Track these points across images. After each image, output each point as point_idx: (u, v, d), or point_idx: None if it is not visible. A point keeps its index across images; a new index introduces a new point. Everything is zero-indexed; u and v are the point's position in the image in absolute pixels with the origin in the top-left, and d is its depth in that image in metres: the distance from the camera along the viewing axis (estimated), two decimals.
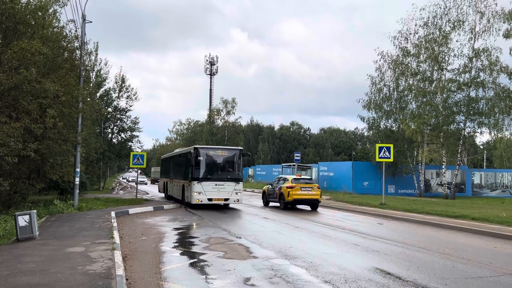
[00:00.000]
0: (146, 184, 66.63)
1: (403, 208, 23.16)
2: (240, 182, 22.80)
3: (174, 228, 15.01)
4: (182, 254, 10.54)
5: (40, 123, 14.72)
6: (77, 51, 20.25)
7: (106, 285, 6.87)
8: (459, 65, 37.07)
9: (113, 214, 17.48)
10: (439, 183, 41.27)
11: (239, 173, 23.06)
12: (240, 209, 22.91)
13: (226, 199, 22.35)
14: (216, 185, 22.03)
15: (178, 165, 27.12)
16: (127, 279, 7.64)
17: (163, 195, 33.12)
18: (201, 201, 21.73)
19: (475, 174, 45.62)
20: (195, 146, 23.21)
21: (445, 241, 13.12)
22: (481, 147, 73.08)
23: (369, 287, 7.58)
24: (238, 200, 22.60)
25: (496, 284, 8.04)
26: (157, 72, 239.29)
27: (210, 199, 21.94)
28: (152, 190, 43.87)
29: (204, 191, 21.76)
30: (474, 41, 35.53)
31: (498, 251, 11.69)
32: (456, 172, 37.86)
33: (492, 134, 37.49)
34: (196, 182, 21.75)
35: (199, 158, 22.00)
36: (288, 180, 23.63)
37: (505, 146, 62.66)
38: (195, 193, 21.67)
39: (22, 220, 11.07)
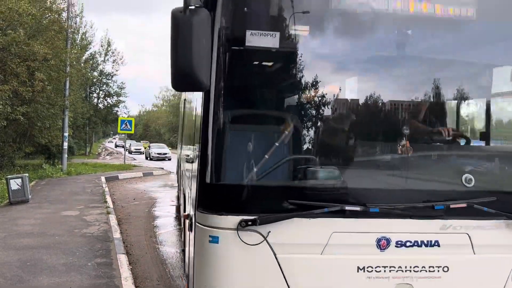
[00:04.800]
0: (170, 159, 36.14)
1: None
2: None
3: (166, 194, 15.15)
4: (175, 218, 10.72)
5: (28, 86, 14.48)
6: (63, 13, 19.74)
7: (105, 247, 7.03)
8: None
9: (103, 179, 17.52)
10: None
11: None
12: None
13: None
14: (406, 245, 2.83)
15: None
16: (123, 242, 7.79)
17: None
18: None
19: None
20: None
21: None
22: None
23: None
24: None
25: None
26: (141, 35, 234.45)
27: None
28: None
29: None
30: None
31: None
32: None
33: None
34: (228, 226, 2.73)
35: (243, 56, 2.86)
36: None
37: None
38: None
39: (14, 184, 11.07)
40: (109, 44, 41.79)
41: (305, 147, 3.05)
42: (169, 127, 75.83)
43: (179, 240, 8.44)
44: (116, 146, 73.69)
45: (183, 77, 2.45)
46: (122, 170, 23.15)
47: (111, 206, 11.12)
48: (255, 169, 2.78)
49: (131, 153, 46.24)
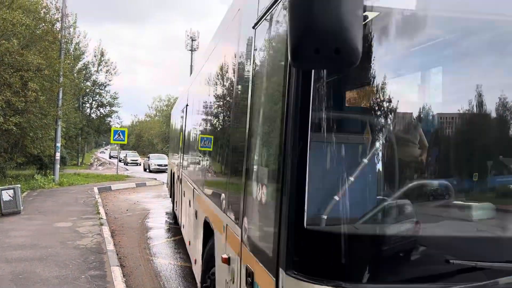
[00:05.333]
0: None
1: None
2: None
3: (159, 205, 15.09)
4: (168, 230, 10.68)
5: (21, 96, 14.44)
6: (57, 23, 19.77)
7: (98, 259, 6.97)
8: None
9: (96, 189, 17.41)
10: None
11: None
12: None
13: None
14: None
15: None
16: (117, 254, 7.74)
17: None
18: None
19: None
20: None
21: None
22: None
23: None
24: None
25: None
26: (135, 45, 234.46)
27: None
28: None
29: None
30: None
31: None
32: None
33: None
34: None
35: None
36: None
37: None
38: None
39: (6, 195, 10.98)
40: (102, 54, 41.85)
41: (465, 169, 2.03)
42: (162, 137, 75.72)
43: (173, 252, 8.41)
44: (111, 157, 64.27)
45: (323, 43, 1.35)
46: (115, 180, 23.01)
47: (104, 217, 11.05)
48: (398, 206, 1.81)
49: (127, 165, 44.68)
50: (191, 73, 78.76)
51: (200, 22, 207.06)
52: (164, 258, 7.97)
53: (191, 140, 7.31)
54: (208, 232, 4.14)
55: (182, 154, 8.75)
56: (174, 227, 10.92)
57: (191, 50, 79.15)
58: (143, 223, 11.35)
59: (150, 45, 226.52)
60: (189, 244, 6.24)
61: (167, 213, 13.09)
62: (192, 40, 79.41)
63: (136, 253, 8.20)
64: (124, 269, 6.99)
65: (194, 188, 5.83)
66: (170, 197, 12.25)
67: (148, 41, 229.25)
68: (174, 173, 10.88)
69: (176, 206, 9.87)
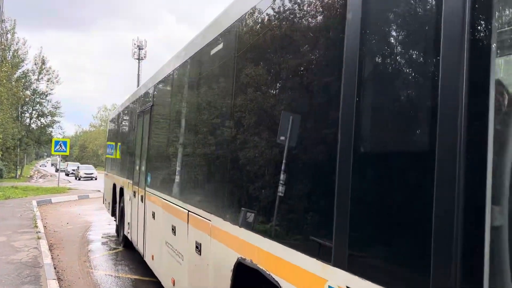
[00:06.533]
0: None
1: None
2: None
3: (102, 217, 14.71)
4: (111, 242, 10.46)
5: None
6: None
7: (34, 273, 6.75)
8: None
9: (34, 203, 16.70)
10: None
11: None
12: None
13: None
14: None
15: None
16: (55, 268, 7.51)
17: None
18: None
19: None
20: None
21: None
22: None
23: None
24: None
25: None
26: (79, 54, 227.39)
27: None
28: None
29: None
30: None
31: None
32: None
33: None
34: None
35: None
36: None
37: None
38: None
39: None
40: (43, 62, 40.33)
41: None
42: None
43: (114, 264, 8.28)
44: (57, 170, 49.15)
45: None
46: (56, 193, 22.14)
47: (42, 231, 10.65)
48: None
49: (80, 179, 39.54)
50: (138, 83, 77.41)
51: (148, 31, 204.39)
52: (105, 270, 7.83)
53: (174, 147, 5.52)
54: (250, 281, 2.94)
55: (145, 166, 6.93)
56: (117, 239, 10.73)
57: (138, 59, 77.96)
58: (84, 236, 11.05)
59: (95, 54, 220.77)
60: (174, 284, 4.85)
61: (109, 224, 12.82)
62: (139, 49, 78.37)
63: (75, 266, 7.99)
64: (62, 282, 6.80)
65: (189, 211, 4.40)
66: (112, 215, 10.84)
67: (93, 50, 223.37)
68: (123, 188, 9.26)
69: (130, 229, 8.20)
